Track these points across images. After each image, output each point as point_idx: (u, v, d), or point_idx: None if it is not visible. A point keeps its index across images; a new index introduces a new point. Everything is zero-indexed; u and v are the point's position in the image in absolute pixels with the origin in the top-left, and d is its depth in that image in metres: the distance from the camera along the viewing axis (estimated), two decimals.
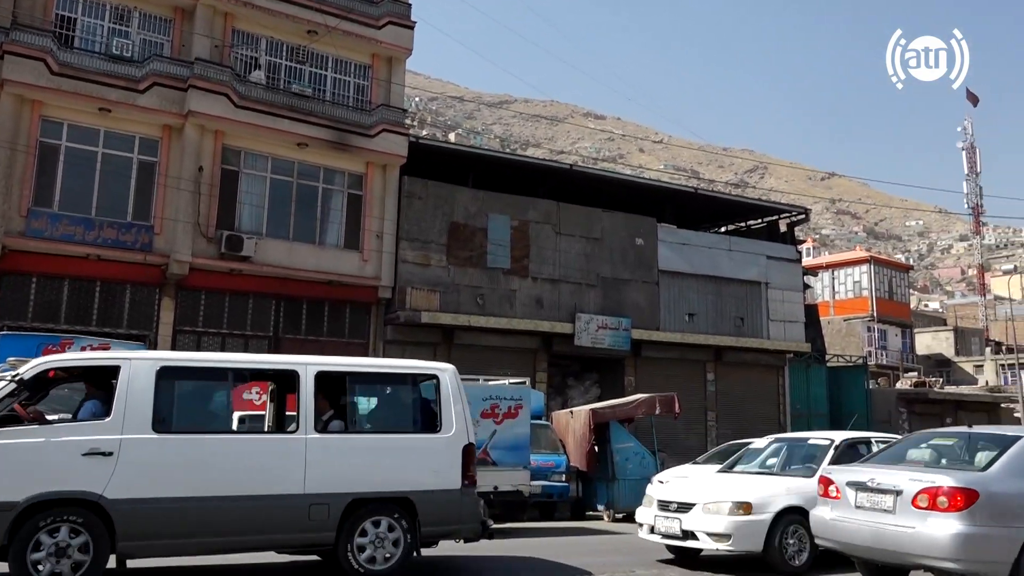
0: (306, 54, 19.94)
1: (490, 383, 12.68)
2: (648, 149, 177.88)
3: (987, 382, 41.07)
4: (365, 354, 19.44)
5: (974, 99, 77.93)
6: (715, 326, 24.55)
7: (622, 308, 22.83)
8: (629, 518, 14.62)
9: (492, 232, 21.56)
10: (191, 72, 17.92)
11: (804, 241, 61.34)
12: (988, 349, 49.25)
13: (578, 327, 21.77)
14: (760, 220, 27.89)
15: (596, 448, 14.92)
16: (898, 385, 33.15)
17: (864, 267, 43.95)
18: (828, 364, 28.78)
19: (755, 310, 25.41)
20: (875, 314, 42.36)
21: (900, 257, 68.69)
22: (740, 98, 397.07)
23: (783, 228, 27.64)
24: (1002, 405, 30.54)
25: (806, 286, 29.32)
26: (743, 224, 28.09)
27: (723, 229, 27.88)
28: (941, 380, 37.24)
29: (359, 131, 19.69)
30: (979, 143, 72.88)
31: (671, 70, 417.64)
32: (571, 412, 15.67)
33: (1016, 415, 29.11)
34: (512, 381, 12.88)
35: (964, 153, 72.63)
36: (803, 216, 28.01)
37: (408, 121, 25.28)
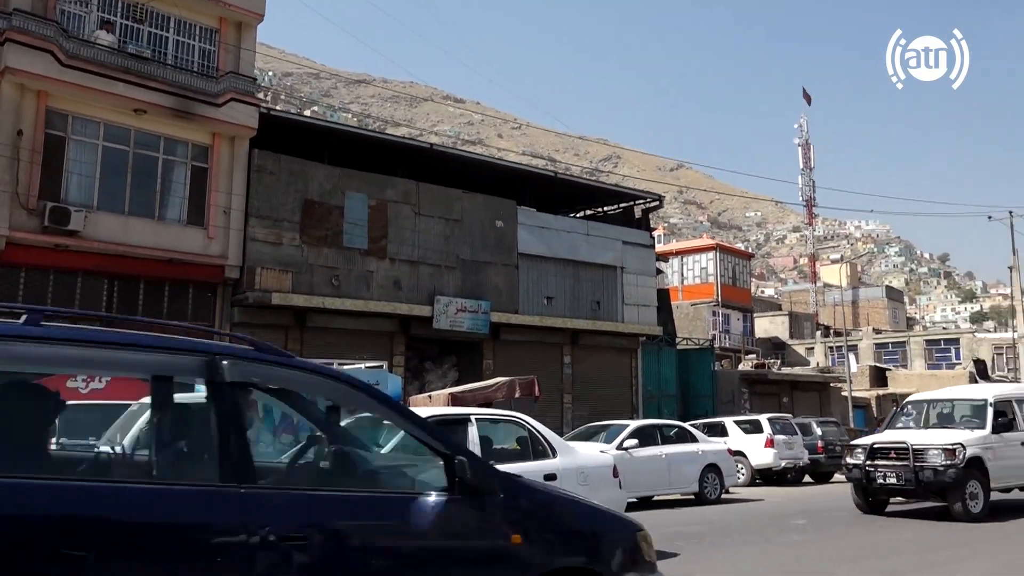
0: (145, 13, 18.34)
1: (345, 367, 12.07)
2: (507, 135, 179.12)
3: (818, 363, 44.01)
4: (208, 336, 18.24)
5: (808, 98, 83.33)
6: (572, 309, 24.81)
7: (481, 291, 22.63)
8: None
9: (349, 211, 20.78)
10: (8, 24, 16.06)
11: (655, 228, 63.58)
12: (818, 333, 52.85)
13: (437, 310, 21.38)
14: (616, 206, 28.44)
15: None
16: (740, 367, 34.87)
17: (711, 254, 45.96)
18: (678, 347, 29.82)
19: (611, 294, 25.89)
20: (720, 299, 44.42)
21: (741, 246, 72.53)
22: (599, 88, 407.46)
23: (638, 214, 28.31)
24: (831, 385, 32.73)
25: (658, 271, 30.21)
26: (600, 209, 28.55)
27: (581, 214, 28.23)
28: (778, 362, 39.51)
29: (204, 99, 18.34)
30: (813, 140, 78.03)
31: (535, 57, 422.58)
32: (430, 396, 15.27)
33: (843, 394, 31.25)
34: (368, 365, 12.34)
35: (800, 149, 77.60)
36: (657, 203, 28.80)
37: (261, 96, 23.94)
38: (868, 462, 12.32)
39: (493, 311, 22.44)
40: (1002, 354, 42.36)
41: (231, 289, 18.91)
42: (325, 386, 3.64)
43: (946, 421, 13.21)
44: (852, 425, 28.64)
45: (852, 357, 38.63)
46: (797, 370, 37.59)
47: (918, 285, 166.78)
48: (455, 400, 13.97)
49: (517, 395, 15.17)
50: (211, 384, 3.09)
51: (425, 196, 22.12)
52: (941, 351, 44.39)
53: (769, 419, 20.32)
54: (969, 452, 11.75)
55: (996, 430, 12.35)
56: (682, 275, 46.42)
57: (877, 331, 52.58)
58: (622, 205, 28.43)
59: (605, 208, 28.55)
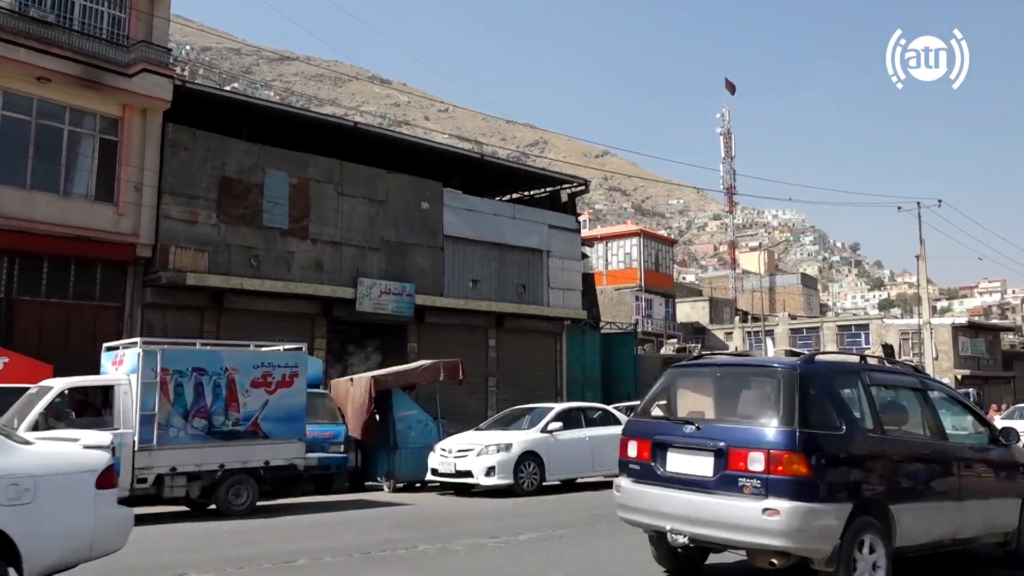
0: None
1: (263, 349, 11.68)
2: (433, 117, 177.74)
3: (736, 347, 45.12)
4: (119, 318, 17.50)
5: (731, 87, 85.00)
6: (498, 293, 24.72)
7: (406, 273, 22.31)
8: (411, 487, 14.29)
9: (269, 189, 20.14)
10: None
11: (581, 214, 64.06)
12: (737, 318, 54.18)
13: (360, 292, 20.98)
14: (543, 190, 28.43)
15: (377, 417, 14.36)
16: (662, 351, 35.45)
17: (635, 240, 46.54)
18: (602, 331, 30.09)
19: (536, 278, 25.90)
20: (643, 284, 45.05)
21: (664, 233, 73.79)
22: (527, 72, 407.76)
23: (564, 199, 28.36)
24: None
25: (583, 256, 30.38)
26: (526, 193, 28.49)
27: (507, 197, 28.12)
28: (698, 346, 40.31)
29: (114, 68, 17.43)
30: (735, 129, 79.76)
31: (463, 40, 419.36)
32: (351, 380, 14.97)
33: None
34: (286, 348, 11.95)
35: (722, 138, 79.22)
36: (583, 187, 28.90)
37: (179, 70, 22.96)
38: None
39: (418, 294, 22.16)
40: (908, 339, 44.21)
41: (143, 268, 18.12)
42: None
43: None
44: None
45: (769, 341, 39.73)
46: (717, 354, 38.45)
47: (831, 273, 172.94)
48: (377, 383, 13.74)
49: (440, 378, 15.01)
50: None
51: (349, 176, 21.63)
52: (852, 336, 46.07)
53: None
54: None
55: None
56: (607, 260, 46.89)
57: (792, 316, 54.23)
58: (548, 189, 28.44)
59: (531, 192, 28.50)
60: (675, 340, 40.94)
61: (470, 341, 23.94)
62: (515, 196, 28.40)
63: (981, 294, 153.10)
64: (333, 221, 21.13)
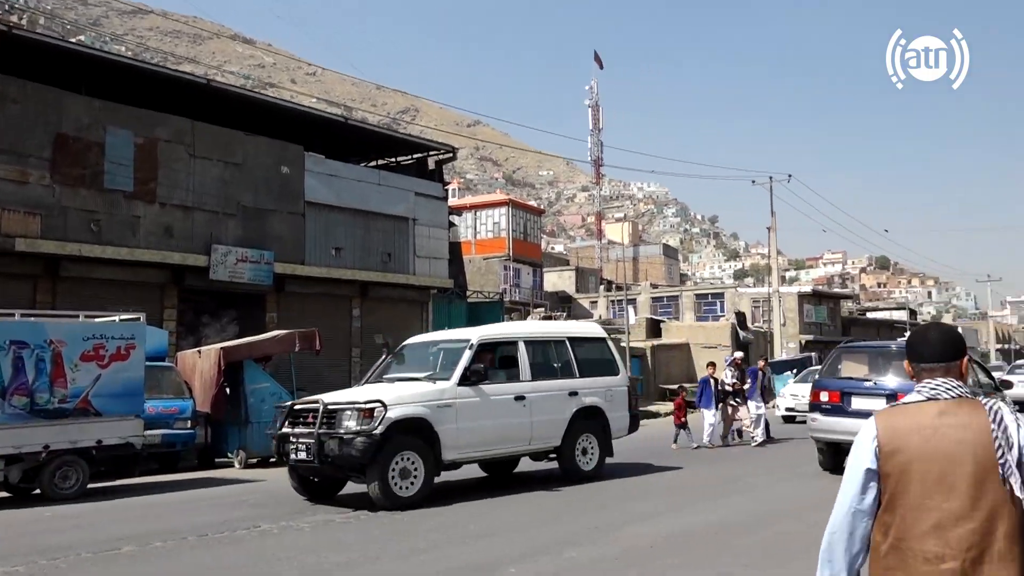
0: None
1: (95, 320, 10.82)
2: (301, 80, 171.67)
3: (600, 316, 46.24)
4: None
5: (600, 62, 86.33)
6: (362, 261, 24.14)
7: (265, 240, 21.39)
8: (264, 463, 13.76)
9: (111, 148, 18.72)
10: None
11: (450, 182, 63.65)
12: (602, 287, 55.51)
13: (214, 260, 19.96)
14: (409, 156, 27.90)
15: (228, 390, 13.72)
16: (529, 319, 35.82)
17: (503, 209, 46.65)
18: (469, 300, 30.04)
19: (402, 246, 25.47)
20: (511, 254, 45.31)
21: (534, 203, 74.46)
22: (397, 38, 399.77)
23: (431, 166, 27.96)
24: (612, 336, 34.44)
25: (451, 224, 30.15)
26: (393, 160, 27.89)
27: (373, 164, 27.44)
28: (564, 315, 41.03)
29: None
30: (603, 102, 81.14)
31: (332, 1, 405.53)
32: (199, 351, 14.24)
33: (622, 344, 32.98)
34: (123, 317, 11.14)
35: (590, 110, 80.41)
36: (451, 155, 28.58)
37: (15, 19, 20.87)
38: (290, 430, 9.49)
39: (277, 262, 21.31)
40: (759, 307, 46.64)
41: None
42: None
43: (422, 369, 10.47)
44: (630, 374, 30.31)
45: (631, 310, 40.92)
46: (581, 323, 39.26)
47: (691, 244, 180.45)
48: (227, 354, 13.12)
49: (296, 348, 14.52)
50: None
51: (201, 136, 20.42)
52: (708, 304, 48.10)
53: None
54: (399, 413, 9.05)
55: (466, 381, 9.79)
56: (475, 229, 46.82)
57: (654, 286, 56.08)
58: (415, 156, 27.93)
59: (398, 159, 27.92)
60: (542, 309, 41.47)
61: (333, 311, 23.32)
62: (381, 163, 27.75)
63: (825, 265, 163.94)
64: (184, 184, 19.93)
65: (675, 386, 33.25)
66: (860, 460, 2.56)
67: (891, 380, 10.45)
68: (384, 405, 8.94)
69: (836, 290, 69.91)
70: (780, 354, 35.90)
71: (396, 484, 8.88)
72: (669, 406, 30.04)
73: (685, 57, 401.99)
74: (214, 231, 20.37)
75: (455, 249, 30.06)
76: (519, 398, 10.28)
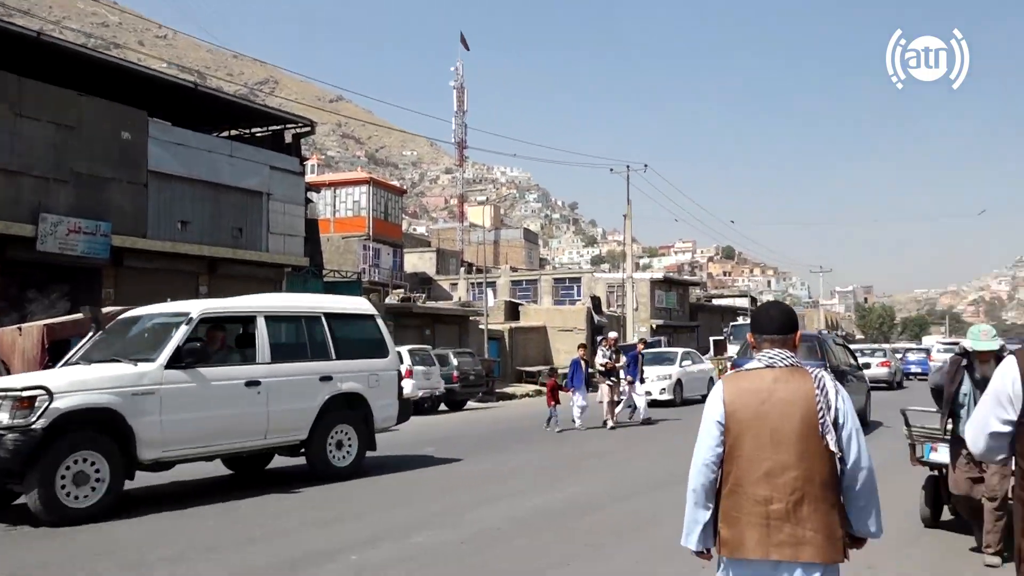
0: None
1: None
2: (150, 43, 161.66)
3: (460, 298, 46.33)
4: None
5: (465, 45, 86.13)
6: (211, 236, 22.97)
7: (101, 210, 19.92)
8: None
9: None
10: None
11: (309, 158, 61.83)
12: (463, 269, 55.62)
13: (42, 229, 18.41)
14: (265, 128, 26.78)
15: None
16: (387, 300, 35.36)
17: (364, 188, 45.80)
18: (325, 279, 29.29)
19: (255, 221, 24.43)
20: (371, 233, 44.57)
21: (396, 183, 73.48)
22: (260, 5, 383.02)
23: (288, 139, 26.94)
24: (470, 318, 34.57)
25: (308, 200, 29.24)
26: (247, 131, 26.68)
27: (225, 134, 26.13)
28: (423, 296, 40.81)
29: None
30: (468, 84, 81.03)
31: None
32: (19, 328, 13.05)
33: (480, 327, 33.18)
34: None
35: (455, 92, 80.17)
36: (309, 128, 27.66)
37: None
38: None
39: (115, 234, 19.92)
40: (614, 292, 48.13)
41: None
42: None
43: (132, 348, 8.76)
44: (487, 356, 30.56)
45: (490, 293, 41.21)
46: (441, 304, 39.17)
47: (552, 229, 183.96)
48: (51, 332, 12.13)
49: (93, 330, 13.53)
50: None
51: (30, 94, 18.72)
52: (566, 288, 49.17)
53: (409, 351, 20.76)
54: (72, 402, 7.36)
55: (178, 363, 8.24)
56: (335, 207, 45.74)
57: (514, 269, 56.74)
58: (271, 128, 26.82)
59: (253, 130, 26.72)
60: (401, 290, 41.05)
61: (178, 287, 21.94)
62: (234, 133, 26.47)
63: (676, 253, 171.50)
64: (8, 146, 18.21)
65: (537, 368, 33.93)
66: (711, 417, 2.96)
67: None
68: (49, 393, 7.16)
69: (685, 277, 73.21)
70: (632, 338, 37.19)
71: (67, 492, 7.17)
72: (526, 388, 30.57)
73: (551, 44, 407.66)
74: (43, 199, 18.78)
75: (312, 226, 29.19)
76: (252, 383, 8.77)
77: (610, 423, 15.61)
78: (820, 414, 2.85)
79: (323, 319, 9.98)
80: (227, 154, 23.71)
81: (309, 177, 44.80)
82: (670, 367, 21.30)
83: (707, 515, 2.95)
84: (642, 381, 17.32)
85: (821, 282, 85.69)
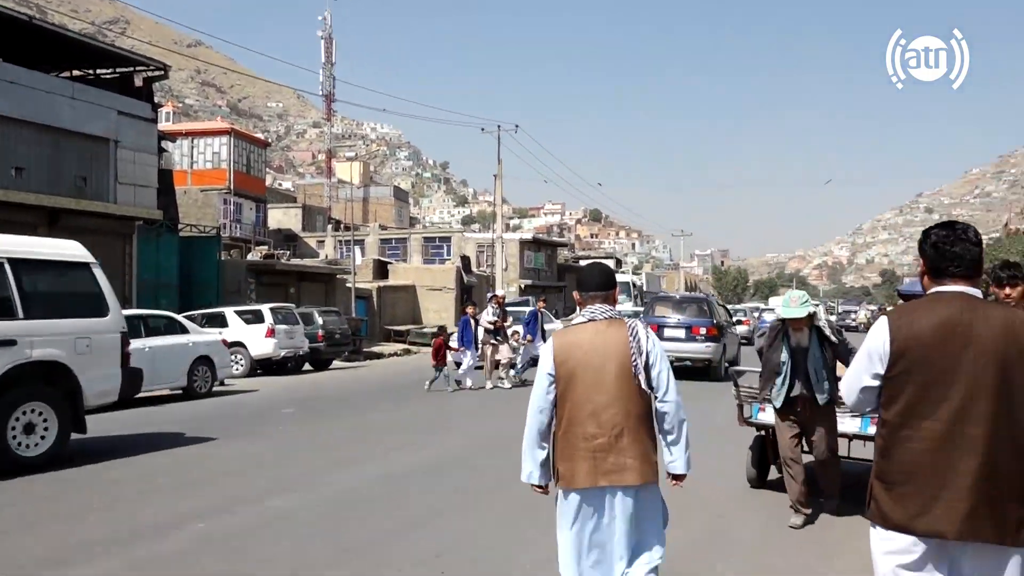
0: None
1: None
2: None
3: (327, 256, 45.17)
4: None
5: None
6: (51, 185, 21.20)
7: None
8: None
9: None
10: None
11: (163, 105, 58.24)
12: (330, 226, 54.22)
13: None
14: (113, 71, 24.85)
15: None
16: (249, 257, 34.00)
17: (224, 139, 43.55)
18: (181, 234, 27.78)
19: (101, 170, 22.73)
20: (232, 187, 42.58)
21: (260, 135, 70.23)
22: None
23: (139, 83, 25.12)
24: (337, 276, 33.78)
25: (162, 150, 27.51)
26: (91, 72, 24.68)
27: (67, 75, 24.05)
28: (288, 253, 39.52)
29: None
30: (337, 35, 78.25)
31: None
32: None
33: (348, 285, 32.50)
34: None
35: (323, 42, 77.25)
36: (162, 72, 25.89)
37: None
38: None
39: None
40: (484, 252, 48.23)
41: None
42: None
43: None
44: (354, 315, 30.00)
45: (358, 251, 40.40)
46: (307, 262, 38.03)
47: (423, 188, 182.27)
48: None
49: None
50: None
51: None
52: (436, 248, 48.83)
53: (271, 309, 20.05)
54: None
55: None
56: (192, 158, 43.34)
57: (383, 227, 55.81)
58: (120, 71, 24.90)
59: (99, 71, 24.74)
60: (265, 247, 39.54)
61: None
62: (77, 74, 24.42)
63: (546, 215, 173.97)
64: None
65: (406, 327, 33.63)
66: (543, 370, 3.38)
67: (680, 319, 17.09)
68: None
69: (554, 239, 74.34)
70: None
71: None
72: (395, 347, 30.26)
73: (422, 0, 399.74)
74: None
75: (166, 177, 27.52)
76: None
77: (489, 384, 15.46)
78: (633, 358, 3.29)
79: (5, 266, 7.80)
80: (68, 96, 21.85)
81: (163, 125, 42.15)
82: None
83: (543, 454, 3.39)
84: (544, 340, 17.30)
85: (682, 245, 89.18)
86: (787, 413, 6.01)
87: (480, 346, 15.77)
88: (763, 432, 6.82)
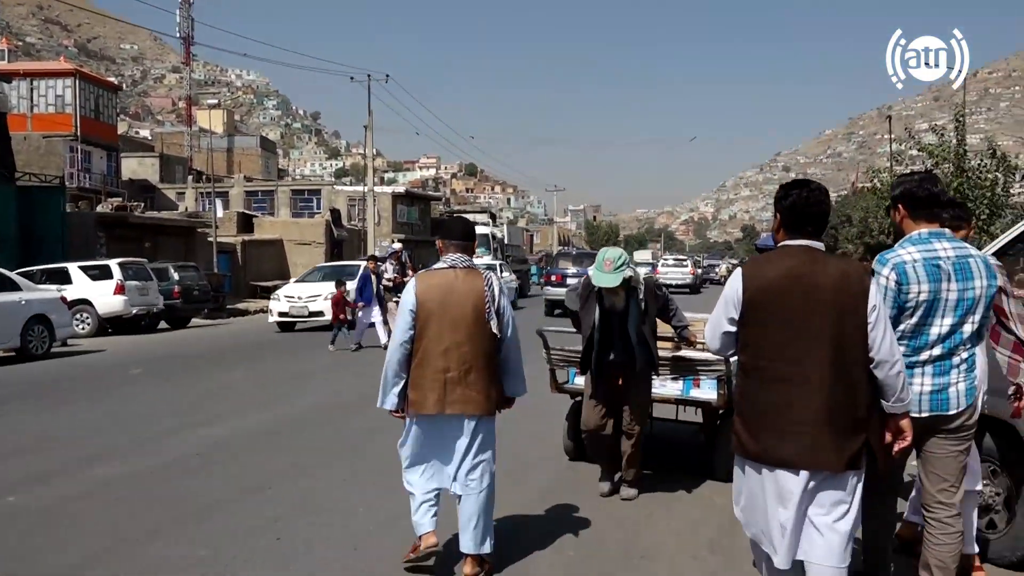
0: None
1: None
2: None
3: (187, 208, 42.93)
4: None
5: None
6: None
7: None
8: None
9: None
10: None
11: None
12: (191, 177, 51.51)
13: None
14: None
15: None
16: (99, 209, 31.78)
17: (69, 81, 40.29)
18: (19, 184, 25.58)
19: None
20: (79, 134, 39.61)
21: (113, 79, 65.26)
22: None
23: None
24: (198, 230, 32.13)
25: None
26: None
27: None
28: (144, 205, 37.26)
29: None
30: None
31: None
32: None
33: (209, 239, 30.99)
34: None
35: None
36: None
37: None
38: None
39: None
40: (355, 206, 47.06)
41: None
42: None
43: None
44: (216, 270, 28.68)
45: (221, 203, 38.61)
46: (164, 214, 35.96)
47: (292, 140, 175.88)
48: None
49: None
50: None
51: None
52: (305, 200, 47.22)
53: (120, 264, 18.80)
54: None
55: None
56: (32, 101, 39.92)
57: (249, 179, 53.42)
58: None
59: None
60: (118, 199, 37.06)
61: None
62: None
63: (421, 169, 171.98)
64: None
65: (272, 283, 32.38)
66: (405, 306, 3.86)
67: (578, 270, 19.04)
68: None
69: (427, 192, 73.55)
70: (373, 251, 36.73)
71: None
72: (261, 303, 29.14)
73: None
74: None
75: (1, 122, 25.20)
76: None
77: (384, 339, 14.87)
78: (487, 305, 3.82)
79: None
80: None
81: None
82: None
83: (400, 383, 3.85)
84: (381, 306, 16.82)
85: (555, 200, 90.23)
86: (599, 381, 5.29)
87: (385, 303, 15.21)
88: (580, 399, 5.89)
